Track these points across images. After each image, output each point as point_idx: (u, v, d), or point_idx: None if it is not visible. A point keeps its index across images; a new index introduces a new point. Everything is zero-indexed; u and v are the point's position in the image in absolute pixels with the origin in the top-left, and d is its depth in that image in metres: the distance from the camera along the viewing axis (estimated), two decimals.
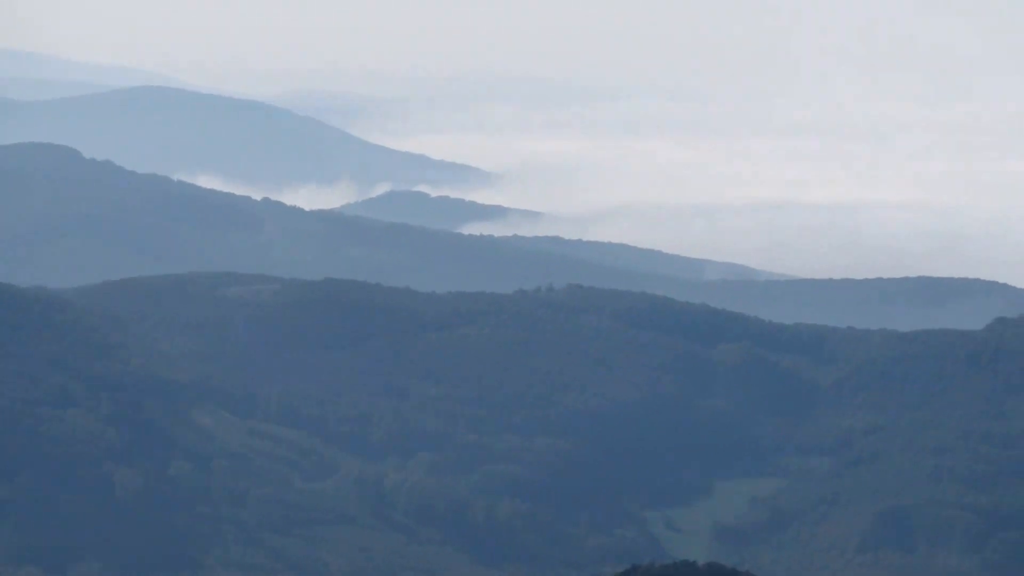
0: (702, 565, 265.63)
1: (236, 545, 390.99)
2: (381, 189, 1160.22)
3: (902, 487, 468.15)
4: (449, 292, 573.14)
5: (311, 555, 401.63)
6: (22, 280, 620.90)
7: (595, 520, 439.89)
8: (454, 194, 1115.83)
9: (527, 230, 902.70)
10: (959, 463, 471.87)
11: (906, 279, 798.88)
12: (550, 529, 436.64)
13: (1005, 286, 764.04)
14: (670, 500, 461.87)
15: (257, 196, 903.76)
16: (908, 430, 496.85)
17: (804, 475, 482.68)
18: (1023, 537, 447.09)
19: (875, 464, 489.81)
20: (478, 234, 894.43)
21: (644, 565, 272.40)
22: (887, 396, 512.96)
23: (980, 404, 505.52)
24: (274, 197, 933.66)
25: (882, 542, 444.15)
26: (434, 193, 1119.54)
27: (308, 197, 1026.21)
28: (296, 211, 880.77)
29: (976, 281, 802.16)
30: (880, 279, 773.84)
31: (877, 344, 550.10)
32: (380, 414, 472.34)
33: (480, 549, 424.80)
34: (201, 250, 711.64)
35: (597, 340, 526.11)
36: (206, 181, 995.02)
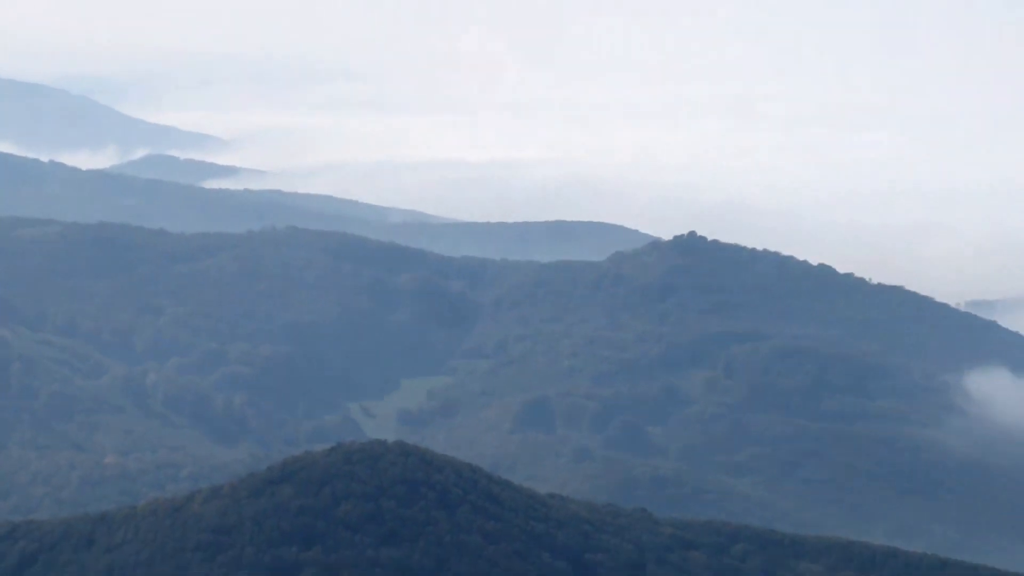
0: (391, 443, 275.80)
1: (30, 430, 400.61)
2: (140, 153, 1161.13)
3: (543, 382, 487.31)
4: (194, 233, 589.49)
5: (89, 437, 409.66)
6: None
7: (308, 409, 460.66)
8: (197, 157, 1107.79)
9: (255, 185, 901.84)
10: (587, 363, 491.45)
11: (546, 222, 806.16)
12: (273, 416, 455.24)
13: (623, 227, 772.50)
14: (366, 393, 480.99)
15: (44, 159, 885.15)
16: (548, 338, 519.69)
17: (469, 373, 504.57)
18: (636, 419, 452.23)
19: (523, 364, 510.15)
20: (217, 188, 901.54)
21: (346, 443, 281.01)
22: (532, 312, 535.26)
23: (602, 318, 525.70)
24: (57, 160, 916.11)
25: (529, 424, 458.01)
26: (182, 156, 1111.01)
27: (84, 160, 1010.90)
28: (75, 170, 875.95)
29: (600, 224, 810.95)
30: (527, 222, 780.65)
31: (524, 272, 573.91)
32: (142, 327, 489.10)
33: (219, 432, 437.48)
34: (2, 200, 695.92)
35: (308, 269, 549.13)
36: (2, 148, 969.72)
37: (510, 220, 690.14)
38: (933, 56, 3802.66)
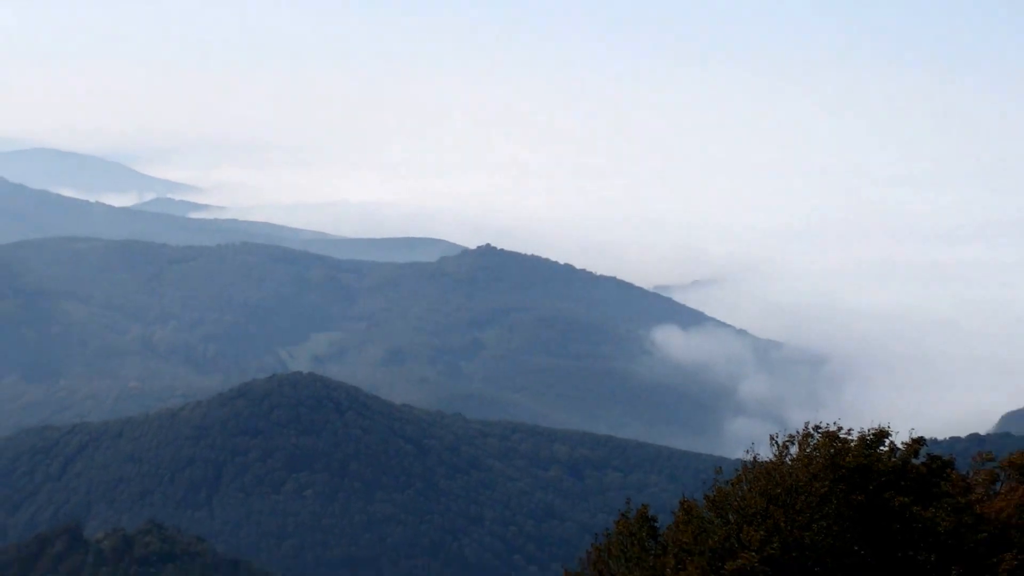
0: (306, 374, 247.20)
1: (83, 367, 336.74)
2: (149, 196, 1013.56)
3: (399, 337, 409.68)
4: (184, 246, 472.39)
5: (119, 371, 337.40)
6: None
7: (255, 353, 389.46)
8: (186, 199, 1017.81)
9: (221, 216, 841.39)
10: (425, 325, 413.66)
11: (402, 238, 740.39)
12: (233, 358, 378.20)
13: (447, 241, 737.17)
14: (290, 343, 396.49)
15: (92, 200, 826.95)
16: (402, 310, 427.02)
17: (354, 331, 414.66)
18: (455, 359, 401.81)
19: (387, 326, 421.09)
20: (198, 218, 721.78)
21: (279, 374, 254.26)
22: (392, 293, 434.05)
23: (434, 298, 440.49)
24: (100, 200, 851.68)
25: (390, 363, 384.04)
26: (176, 198, 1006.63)
27: (115, 199, 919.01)
28: (110, 207, 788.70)
29: (434, 239, 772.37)
30: (390, 238, 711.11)
31: (388, 269, 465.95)
32: (152, 304, 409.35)
33: (201, 369, 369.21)
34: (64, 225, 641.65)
35: (254, 268, 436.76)
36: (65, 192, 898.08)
37: (379, 237, 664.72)
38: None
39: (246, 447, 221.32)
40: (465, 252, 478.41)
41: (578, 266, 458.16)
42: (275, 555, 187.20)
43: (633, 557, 26.30)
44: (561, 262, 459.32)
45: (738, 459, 29.70)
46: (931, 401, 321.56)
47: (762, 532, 22.92)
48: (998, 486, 28.12)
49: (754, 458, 26.31)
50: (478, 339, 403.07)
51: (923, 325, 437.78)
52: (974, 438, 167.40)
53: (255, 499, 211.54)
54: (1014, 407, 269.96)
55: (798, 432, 26.26)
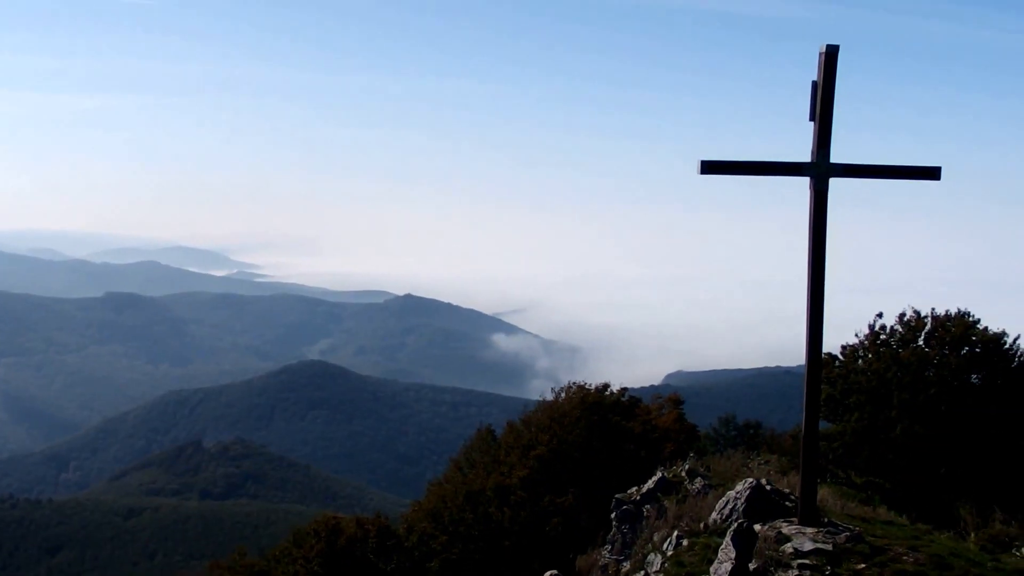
0: None
1: None
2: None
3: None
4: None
5: None
6: None
7: None
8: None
9: None
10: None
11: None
12: None
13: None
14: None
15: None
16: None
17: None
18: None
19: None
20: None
21: None
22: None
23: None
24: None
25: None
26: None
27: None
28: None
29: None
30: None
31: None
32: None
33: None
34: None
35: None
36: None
37: (353, 290, 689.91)
38: None
39: (286, 399, 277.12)
40: (398, 297, 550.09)
41: (455, 303, 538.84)
42: (301, 453, 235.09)
43: (483, 450, 38.33)
44: (445, 300, 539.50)
45: (536, 400, 40.86)
46: (628, 367, 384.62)
47: (548, 435, 34.19)
48: (664, 411, 40.38)
49: (543, 399, 38.34)
50: (404, 341, 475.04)
51: (625, 331, 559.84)
52: (651, 387, 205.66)
53: (292, 425, 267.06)
54: (671, 370, 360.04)
55: (565, 386, 38.15)
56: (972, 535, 14.35)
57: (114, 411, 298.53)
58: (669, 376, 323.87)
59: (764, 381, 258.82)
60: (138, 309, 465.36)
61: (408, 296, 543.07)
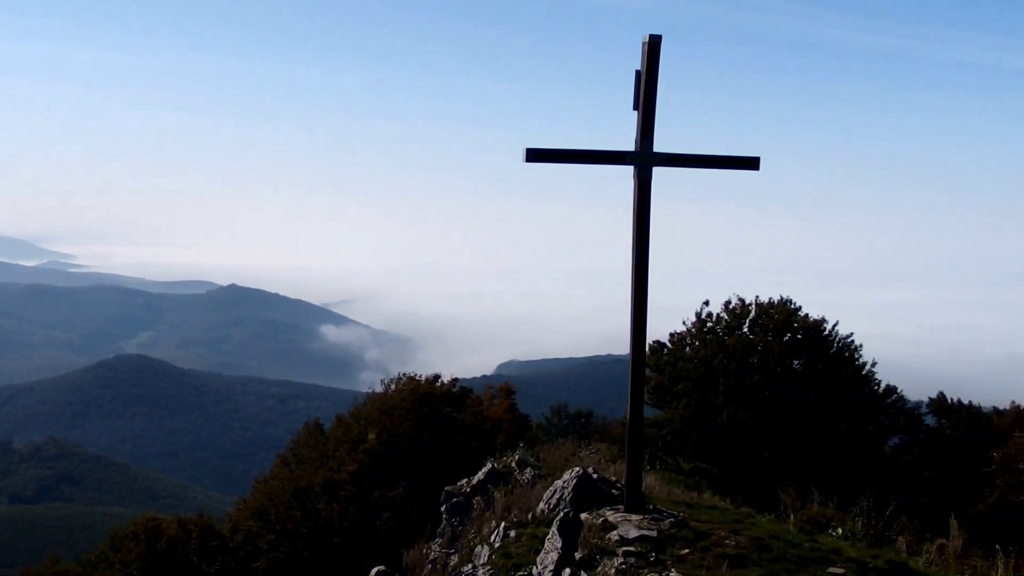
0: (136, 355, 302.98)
1: None
2: None
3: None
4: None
5: None
6: None
7: None
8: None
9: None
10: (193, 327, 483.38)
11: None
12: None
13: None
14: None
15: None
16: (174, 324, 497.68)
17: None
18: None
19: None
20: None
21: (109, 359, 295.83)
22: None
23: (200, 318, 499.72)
24: None
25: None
26: None
27: None
28: None
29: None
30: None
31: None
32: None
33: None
34: None
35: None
36: None
37: (176, 280, 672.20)
38: None
39: (102, 395, 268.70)
40: (222, 287, 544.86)
41: (283, 294, 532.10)
42: (120, 452, 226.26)
43: (311, 444, 37.82)
44: (272, 291, 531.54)
45: (365, 392, 40.43)
46: (460, 357, 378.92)
47: (378, 428, 34.10)
48: (495, 401, 41.17)
49: (372, 391, 37.90)
50: (229, 333, 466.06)
51: (457, 322, 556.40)
52: (483, 377, 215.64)
53: (109, 423, 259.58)
54: (504, 359, 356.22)
55: (395, 378, 37.84)
56: (792, 517, 14.88)
57: None
58: (502, 366, 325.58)
59: (596, 369, 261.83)
60: None
61: (232, 286, 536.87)
